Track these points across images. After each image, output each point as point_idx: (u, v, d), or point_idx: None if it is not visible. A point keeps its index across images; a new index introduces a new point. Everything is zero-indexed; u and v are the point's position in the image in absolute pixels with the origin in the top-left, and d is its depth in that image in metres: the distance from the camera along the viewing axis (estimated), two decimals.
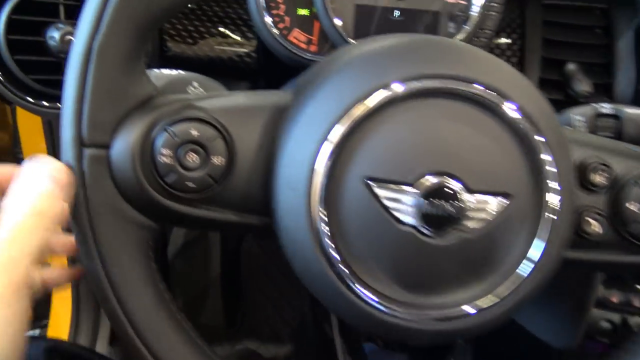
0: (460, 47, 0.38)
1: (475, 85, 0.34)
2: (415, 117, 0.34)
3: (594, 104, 0.50)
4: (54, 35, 0.51)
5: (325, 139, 0.34)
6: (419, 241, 0.35)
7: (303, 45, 0.59)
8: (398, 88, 0.34)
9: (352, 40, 0.56)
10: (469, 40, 0.56)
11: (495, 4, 0.56)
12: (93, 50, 0.33)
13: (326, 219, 0.34)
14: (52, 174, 0.31)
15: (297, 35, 0.58)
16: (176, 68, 0.48)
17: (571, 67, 0.61)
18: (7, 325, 0.27)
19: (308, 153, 0.34)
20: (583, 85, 0.60)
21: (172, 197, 0.36)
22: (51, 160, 0.32)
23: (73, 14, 0.52)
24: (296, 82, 0.42)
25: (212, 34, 0.62)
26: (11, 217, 0.29)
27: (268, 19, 0.56)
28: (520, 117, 0.34)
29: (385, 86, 0.34)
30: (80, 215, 0.34)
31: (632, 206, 0.37)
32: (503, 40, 0.63)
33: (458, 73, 0.34)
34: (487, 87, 0.34)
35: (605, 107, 0.49)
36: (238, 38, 0.62)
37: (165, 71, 0.47)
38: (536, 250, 0.35)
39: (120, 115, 0.35)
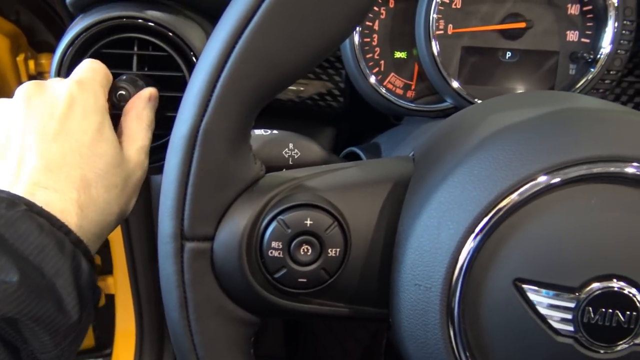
0: (613, 116, 0.31)
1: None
2: (575, 208, 0.28)
3: None
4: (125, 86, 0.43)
5: (470, 232, 0.28)
6: (580, 356, 0.28)
7: (399, 92, 0.53)
8: (553, 178, 0.28)
9: (456, 84, 0.50)
10: (594, 84, 0.49)
11: (625, 42, 0.49)
12: (199, 133, 0.29)
13: (464, 326, 0.29)
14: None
15: (394, 81, 0.53)
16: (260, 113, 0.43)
17: None
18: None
19: (445, 246, 0.29)
20: None
21: (281, 293, 0.31)
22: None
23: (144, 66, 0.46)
24: (415, 146, 0.36)
25: None
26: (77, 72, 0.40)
27: (363, 64, 0.51)
28: None
29: (540, 173, 0.28)
30: (178, 317, 0.30)
31: None
32: (630, 79, 0.55)
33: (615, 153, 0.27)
34: None
35: None
36: (326, 82, 0.57)
37: (258, 132, 0.43)
38: None
39: (226, 203, 0.30)
